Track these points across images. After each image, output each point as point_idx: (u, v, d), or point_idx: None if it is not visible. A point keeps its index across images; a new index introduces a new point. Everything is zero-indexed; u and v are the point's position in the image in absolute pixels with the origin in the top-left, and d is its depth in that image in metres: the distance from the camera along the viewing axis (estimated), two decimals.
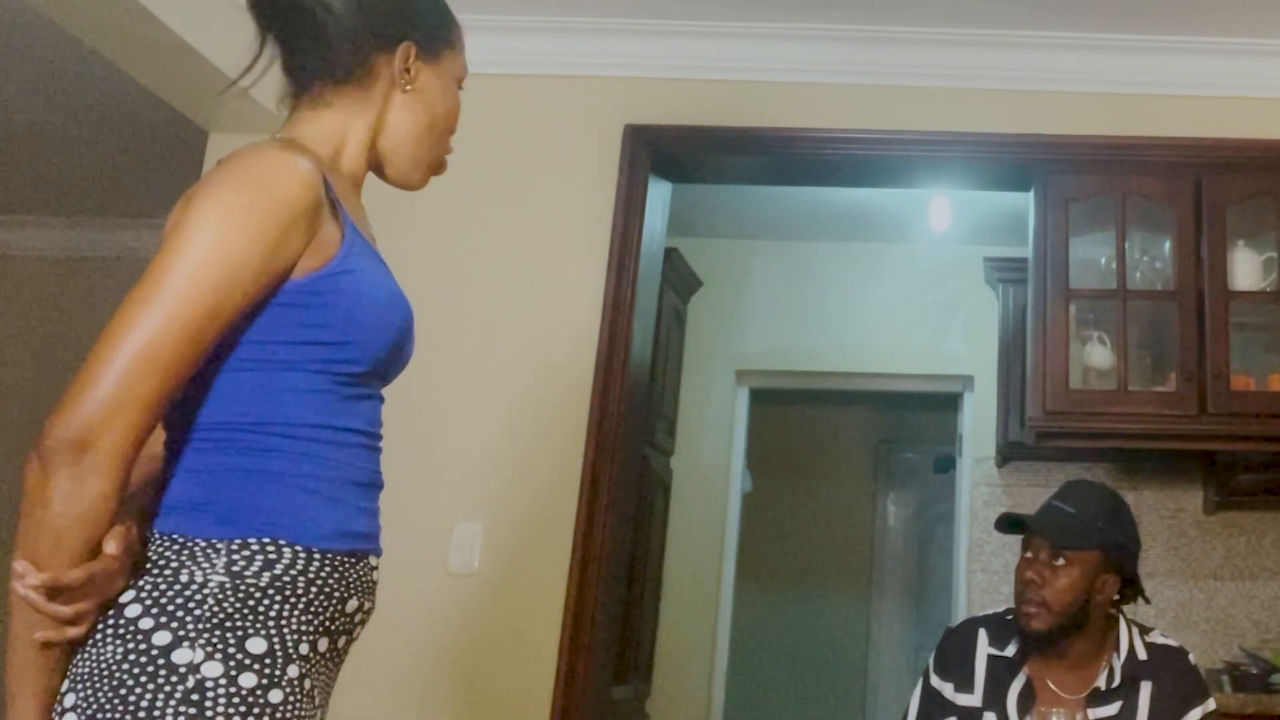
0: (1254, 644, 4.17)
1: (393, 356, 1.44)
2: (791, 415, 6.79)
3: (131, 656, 1.22)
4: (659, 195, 3.50)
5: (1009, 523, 2.26)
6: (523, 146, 3.43)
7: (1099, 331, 3.47)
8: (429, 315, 3.30)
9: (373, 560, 1.40)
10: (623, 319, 3.28)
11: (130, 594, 1.26)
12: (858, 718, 6.44)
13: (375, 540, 1.42)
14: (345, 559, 1.34)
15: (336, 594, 1.33)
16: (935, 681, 2.27)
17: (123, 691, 1.21)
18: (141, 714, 1.20)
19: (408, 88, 1.51)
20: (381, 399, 1.47)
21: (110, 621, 1.25)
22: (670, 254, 4.33)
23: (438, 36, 1.54)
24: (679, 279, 4.74)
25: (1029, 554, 2.22)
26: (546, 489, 3.18)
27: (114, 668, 1.22)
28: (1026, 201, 3.42)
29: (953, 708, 2.22)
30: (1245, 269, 3.31)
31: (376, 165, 1.55)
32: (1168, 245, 3.40)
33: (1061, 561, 2.16)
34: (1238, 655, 3.97)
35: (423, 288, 3.34)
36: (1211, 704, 2.20)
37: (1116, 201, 3.35)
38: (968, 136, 3.37)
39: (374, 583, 1.41)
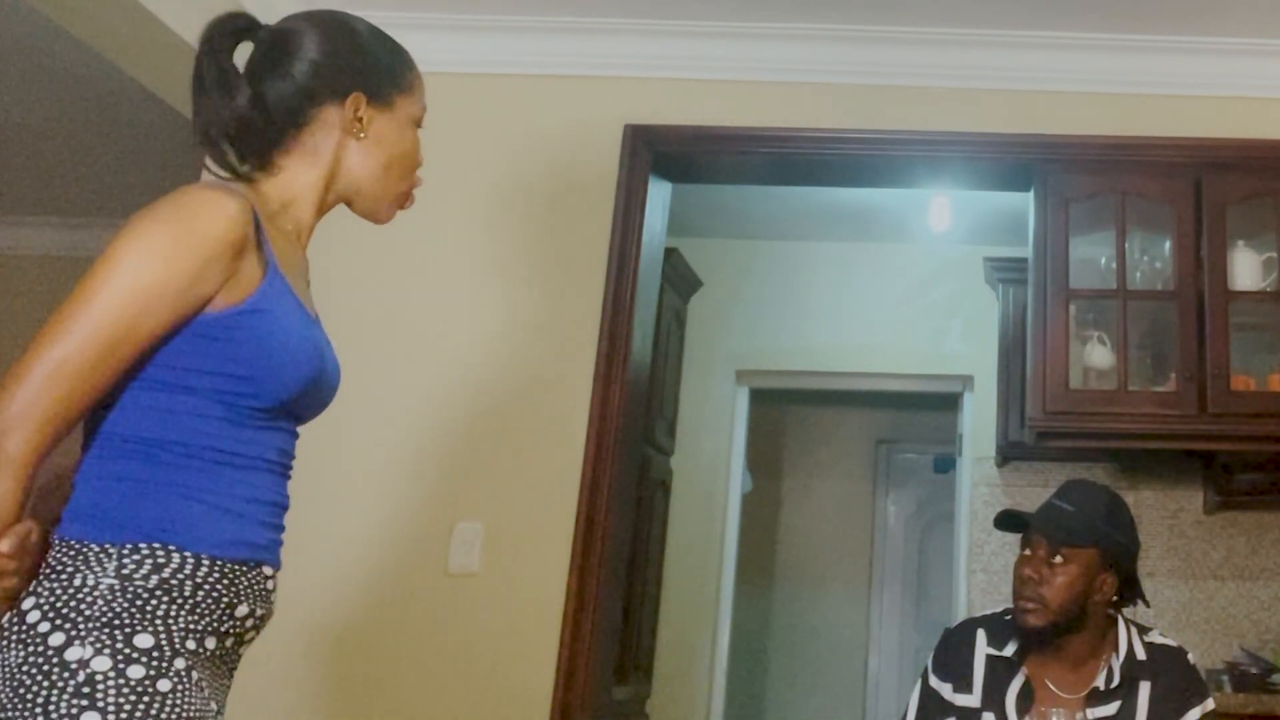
0: (1254, 644, 4.17)
1: (302, 399, 1.50)
2: (791, 415, 6.79)
3: (31, 659, 1.30)
4: (659, 195, 3.50)
5: (1008, 520, 2.27)
6: (523, 146, 3.43)
7: (1099, 331, 3.47)
8: (429, 315, 3.32)
9: (267, 570, 1.47)
10: (623, 319, 3.27)
11: (31, 600, 1.33)
12: (857, 718, 6.44)
13: (272, 552, 1.49)
14: (236, 566, 1.41)
15: (225, 599, 1.40)
16: (934, 682, 2.27)
17: (21, 691, 1.28)
18: (39, 710, 1.27)
19: (361, 135, 1.58)
20: (294, 433, 1.54)
21: (13, 627, 1.32)
22: (670, 254, 4.33)
23: (388, 83, 1.61)
24: (679, 279, 4.74)
25: (1027, 551, 2.22)
26: (546, 489, 3.18)
27: (16, 670, 1.30)
28: (1026, 201, 3.42)
29: (951, 708, 2.22)
30: (1245, 269, 3.31)
31: (346, 202, 1.63)
32: (1168, 245, 3.40)
33: (1059, 559, 2.16)
34: (1238, 655, 3.97)
35: (423, 287, 3.35)
36: (1210, 704, 2.20)
37: (1116, 201, 3.34)
38: (968, 136, 3.36)
39: (268, 591, 1.48)
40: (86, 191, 4.64)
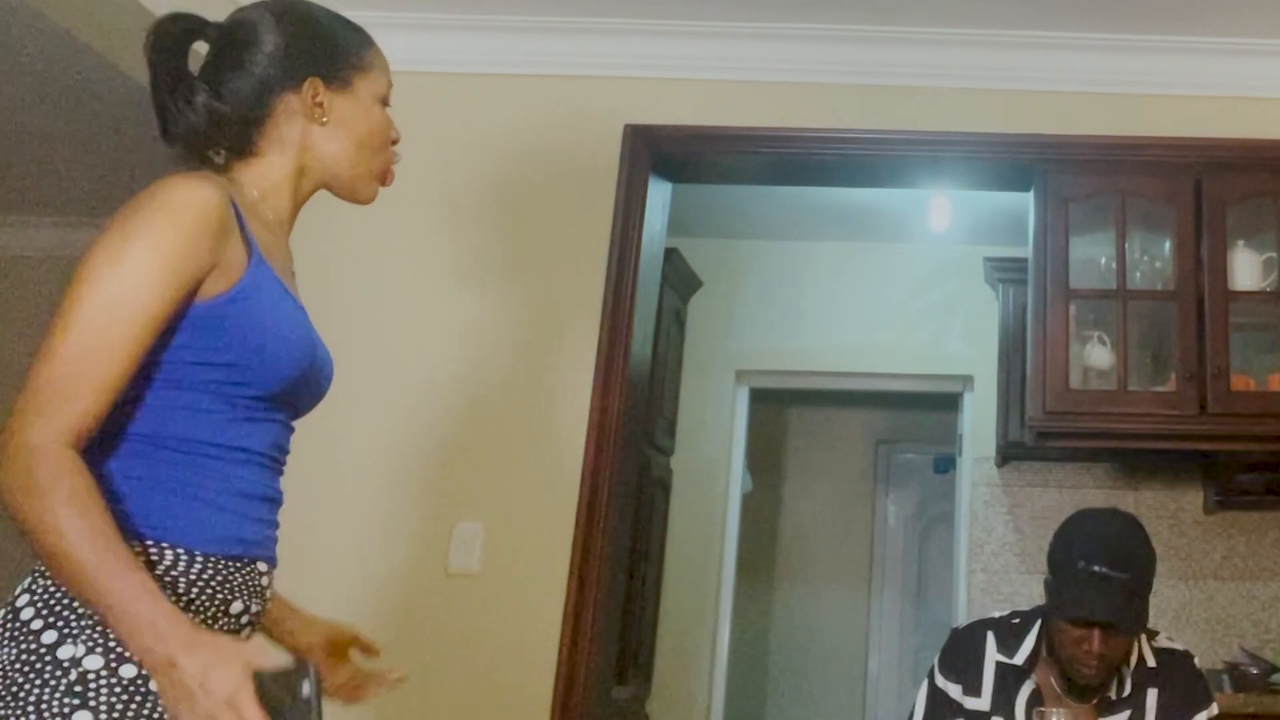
0: (1254, 644, 4.17)
1: (295, 388, 1.50)
2: (791, 415, 6.79)
3: (24, 656, 1.30)
4: (659, 195, 3.50)
5: (1085, 621, 2.09)
6: (523, 146, 3.42)
7: (1099, 331, 3.47)
8: (428, 314, 3.32)
9: (261, 566, 1.47)
10: (623, 319, 3.27)
11: (25, 597, 1.34)
12: (857, 718, 6.44)
13: (267, 548, 1.49)
14: (229, 563, 1.41)
15: (219, 595, 1.40)
16: (941, 681, 2.26)
17: (14, 689, 1.29)
18: (31, 708, 1.27)
19: (323, 120, 1.58)
20: (289, 426, 1.54)
21: (7, 624, 1.32)
22: (670, 254, 4.33)
23: (345, 65, 1.61)
24: (679, 279, 4.74)
25: (1081, 631, 2.09)
26: (546, 489, 3.18)
27: (8, 668, 1.30)
28: (1026, 201, 3.42)
29: (960, 709, 2.22)
30: (1245, 269, 3.31)
31: (326, 187, 1.63)
32: (1168, 245, 3.40)
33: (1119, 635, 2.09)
34: (1238, 655, 3.97)
35: (423, 286, 3.35)
36: (1215, 709, 2.19)
37: (1116, 201, 3.35)
38: (968, 136, 3.36)
39: (263, 587, 1.48)
40: (86, 191, 4.64)
